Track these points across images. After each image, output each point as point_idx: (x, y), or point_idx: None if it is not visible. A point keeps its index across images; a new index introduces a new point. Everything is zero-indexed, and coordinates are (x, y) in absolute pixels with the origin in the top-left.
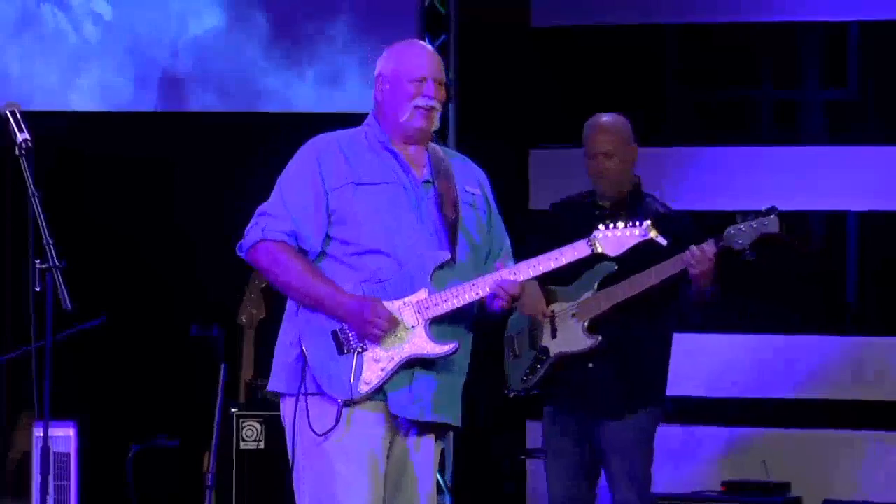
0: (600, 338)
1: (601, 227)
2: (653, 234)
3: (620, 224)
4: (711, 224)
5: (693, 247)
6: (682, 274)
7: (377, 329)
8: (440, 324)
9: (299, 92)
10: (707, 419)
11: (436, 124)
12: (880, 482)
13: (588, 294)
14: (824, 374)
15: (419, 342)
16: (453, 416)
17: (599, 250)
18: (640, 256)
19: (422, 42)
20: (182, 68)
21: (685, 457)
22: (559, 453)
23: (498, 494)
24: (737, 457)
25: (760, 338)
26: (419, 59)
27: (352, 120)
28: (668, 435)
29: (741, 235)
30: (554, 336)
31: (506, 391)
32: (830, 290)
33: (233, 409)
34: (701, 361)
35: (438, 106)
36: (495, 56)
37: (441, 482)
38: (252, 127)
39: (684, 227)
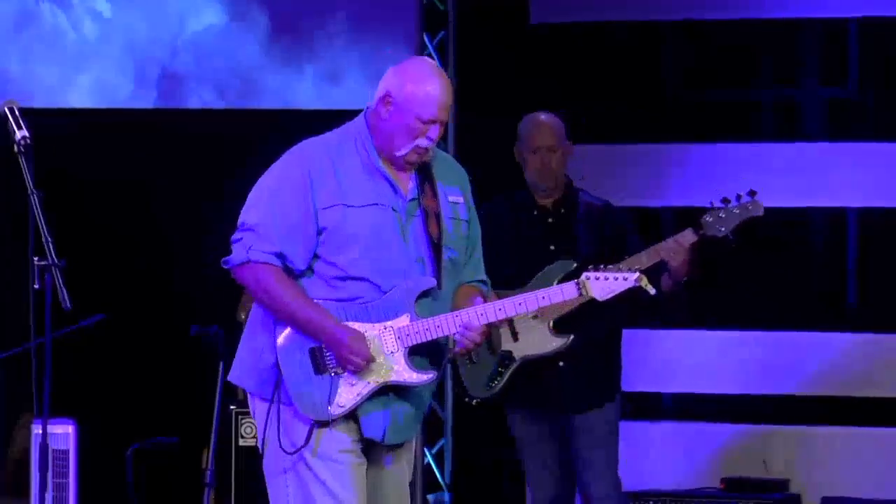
0: (571, 337)
1: (591, 268)
2: (643, 283)
3: (612, 269)
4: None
5: (670, 238)
6: (656, 266)
7: (352, 366)
8: (420, 351)
9: (299, 89)
10: (706, 416)
11: (428, 157)
12: (879, 479)
13: None
14: (824, 371)
15: (398, 369)
16: (416, 431)
17: (588, 294)
18: (595, 253)
19: (442, 73)
20: (181, 66)
21: (684, 453)
22: (537, 454)
23: (497, 492)
24: (736, 454)
25: (760, 334)
26: (436, 99)
27: (351, 117)
28: (667, 431)
29: (721, 222)
30: (516, 339)
31: (466, 398)
32: (830, 287)
33: (231, 407)
34: (700, 358)
35: (434, 144)
36: (494, 53)
37: (441, 480)
38: (251, 124)
39: (623, 220)
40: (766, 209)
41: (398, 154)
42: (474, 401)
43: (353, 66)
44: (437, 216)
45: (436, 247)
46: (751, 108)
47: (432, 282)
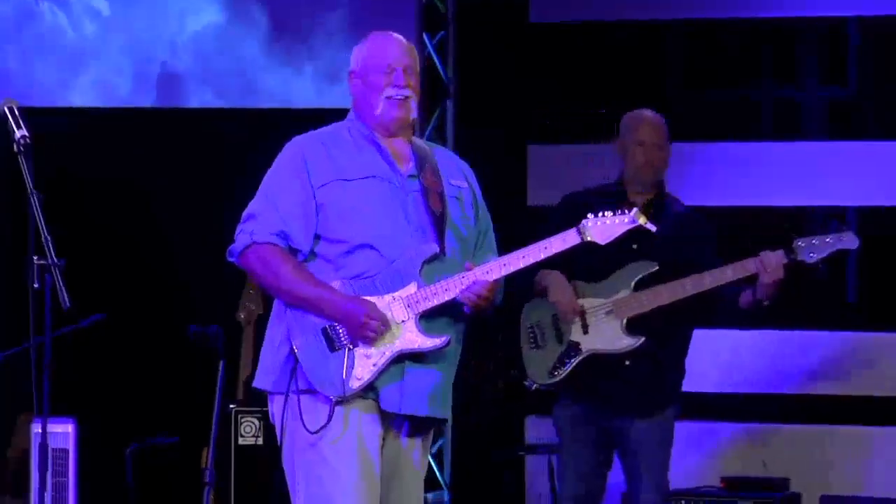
0: (643, 339)
1: (590, 215)
2: (641, 220)
3: (609, 213)
4: (712, 222)
5: (763, 254)
6: (739, 280)
7: (370, 331)
8: (430, 317)
9: (298, 88)
10: (706, 415)
11: (412, 112)
12: (879, 478)
13: (625, 292)
14: (824, 370)
15: (410, 336)
16: (442, 411)
17: (589, 238)
18: (677, 258)
19: (391, 33)
20: (181, 65)
21: (684, 452)
22: (575, 453)
23: (497, 492)
24: (736, 452)
25: (760, 333)
26: (384, 48)
27: None
28: None
29: (814, 249)
30: (585, 332)
31: (526, 383)
32: (830, 286)
33: (231, 406)
34: (700, 357)
35: (411, 94)
36: (494, 52)
37: (440, 480)
38: (251, 123)
39: (707, 230)
40: (766, 208)
41: (377, 113)
42: (534, 386)
43: None
44: (440, 194)
45: (438, 219)
46: (751, 108)
47: (435, 248)
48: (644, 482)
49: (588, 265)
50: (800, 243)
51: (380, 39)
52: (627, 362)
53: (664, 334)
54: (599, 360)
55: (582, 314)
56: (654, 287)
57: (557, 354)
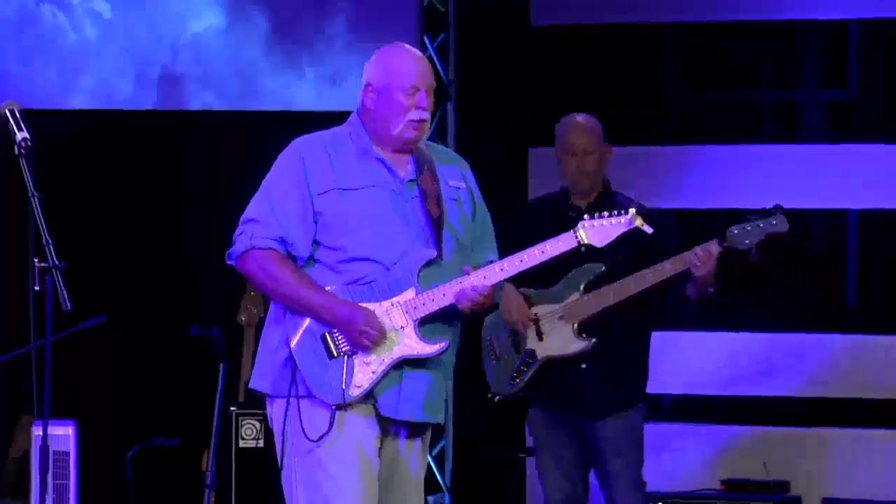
0: (593, 340)
1: (586, 217)
2: (638, 222)
3: (605, 213)
4: (712, 224)
5: (697, 248)
6: (682, 274)
7: (367, 339)
8: (429, 322)
9: (299, 91)
10: (706, 417)
11: (427, 133)
12: (880, 481)
13: (575, 295)
14: (824, 372)
15: (409, 343)
16: (437, 415)
17: (585, 241)
18: (626, 257)
19: (412, 48)
20: (181, 67)
21: (684, 455)
22: (554, 455)
23: (497, 494)
24: (736, 455)
25: (760, 336)
26: (411, 68)
27: None
28: (667, 433)
29: (746, 235)
30: (540, 339)
31: (489, 395)
32: (830, 289)
33: (232, 408)
34: (700, 359)
35: (429, 116)
36: (495, 55)
37: (441, 482)
38: (251, 126)
39: (662, 225)
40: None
41: (395, 133)
42: (496, 398)
43: (353, 67)
44: (438, 197)
45: (435, 223)
46: (751, 110)
47: (433, 253)
48: (620, 484)
49: (540, 270)
50: (734, 231)
51: (404, 56)
52: (584, 365)
53: (620, 335)
54: (558, 365)
55: (536, 322)
56: (601, 289)
57: (515, 364)
